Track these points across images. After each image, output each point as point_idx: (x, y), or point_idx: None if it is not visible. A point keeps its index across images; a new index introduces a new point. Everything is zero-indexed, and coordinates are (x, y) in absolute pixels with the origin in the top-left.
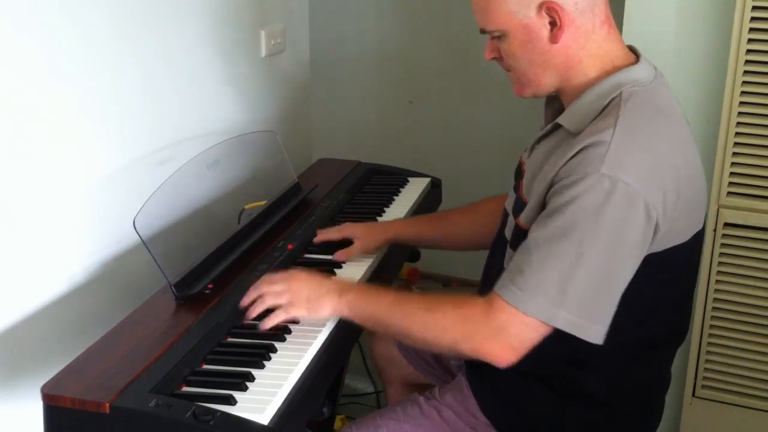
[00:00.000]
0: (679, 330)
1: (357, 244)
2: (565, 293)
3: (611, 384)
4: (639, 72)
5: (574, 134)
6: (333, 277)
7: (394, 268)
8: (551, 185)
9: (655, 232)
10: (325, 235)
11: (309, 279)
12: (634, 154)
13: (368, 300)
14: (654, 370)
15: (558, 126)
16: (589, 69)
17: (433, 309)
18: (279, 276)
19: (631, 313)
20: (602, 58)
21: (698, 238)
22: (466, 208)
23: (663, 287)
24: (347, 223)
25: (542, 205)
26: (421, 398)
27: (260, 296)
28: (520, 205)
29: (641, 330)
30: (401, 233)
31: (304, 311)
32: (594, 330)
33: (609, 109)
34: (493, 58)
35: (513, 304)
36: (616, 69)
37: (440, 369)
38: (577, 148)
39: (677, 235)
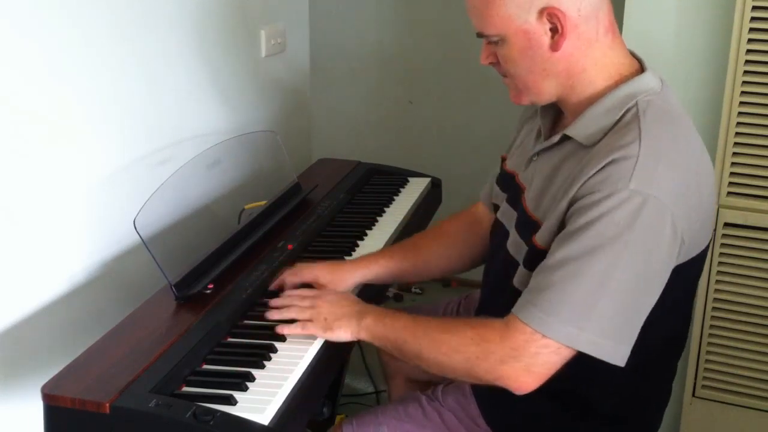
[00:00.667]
0: (681, 338)
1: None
2: (590, 315)
3: (615, 397)
4: (649, 81)
5: (587, 147)
6: (359, 301)
7: None
8: (572, 202)
9: (680, 247)
10: (284, 278)
11: (333, 301)
12: (662, 168)
13: (385, 323)
14: (656, 382)
15: (565, 138)
16: (595, 78)
17: (447, 329)
18: (311, 292)
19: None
20: (608, 66)
21: (708, 246)
22: (433, 232)
23: (674, 299)
24: (308, 266)
25: (561, 224)
26: (423, 398)
27: (288, 306)
28: (528, 223)
29: (646, 341)
30: (368, 275)
31: (321, 331)
32: (618, 351)
33: (626, 120)
34: (490, 63)
35: (533, 326)
36: (624, 78)
37: None
38: (602, 163)
39: (696, 247)
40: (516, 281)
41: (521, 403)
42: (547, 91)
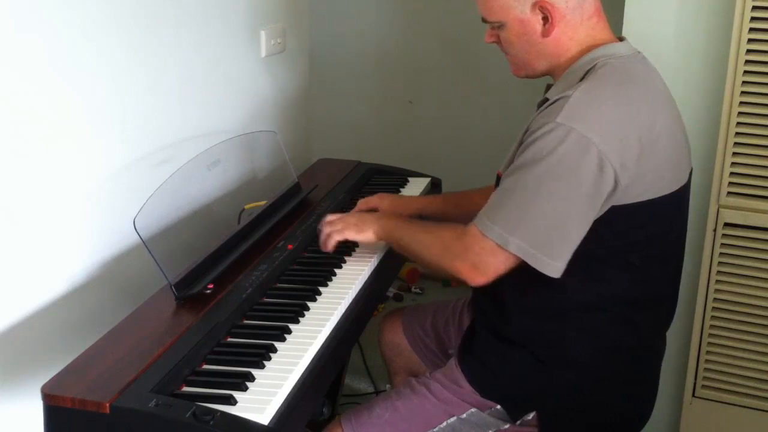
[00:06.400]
0: (659, 299)
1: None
2: (518, 222)
3: (591, 344)
4: (619, 49)
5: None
6: (375, 213)
7: (395, 268)
8: (523, 137)
9: (616, 184)
10: (358, 206)
11: (357, 215)
12: (591, 108)
13: (392, 224)
14: (636, 335)
15: (546, 101)
16: (576, 53)
17: (428, 231)
18: (336, 215)
19: (609, 267)
20: (588, 42)
21: (674, 206)
22: (481, 190)
23: (635, 245)
24: (375, 195)
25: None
26: (413, 379)
27: (320, 230)
28: (497, 181)
29: (617, 287)
30: (423, 208)
31: (353, 233)
32: (549, 263)
33: (584, 77)
34: (492, 42)
35: (478, 227)
36: (597, 47)
37: (443, 357)
38: (546, 106)
39: (645, 190)
40: None
41: (501, 360)
42: (539, 67)
